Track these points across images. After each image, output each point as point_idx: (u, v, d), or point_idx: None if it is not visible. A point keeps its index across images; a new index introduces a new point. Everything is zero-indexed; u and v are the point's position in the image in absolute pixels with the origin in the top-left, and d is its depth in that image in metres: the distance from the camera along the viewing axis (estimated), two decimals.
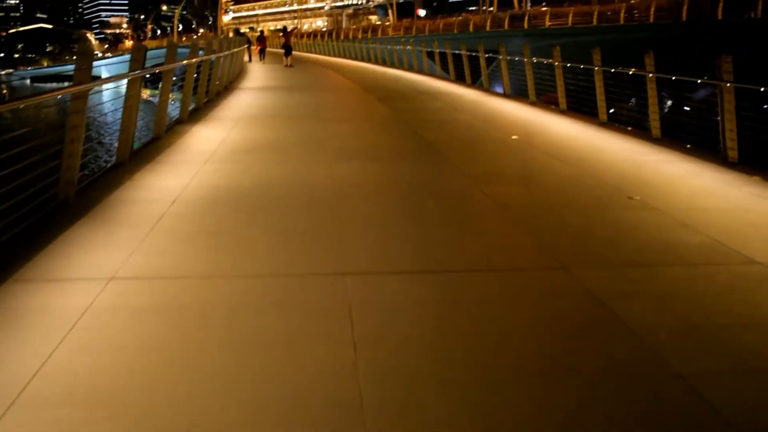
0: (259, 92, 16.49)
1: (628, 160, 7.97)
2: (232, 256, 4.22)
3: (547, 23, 42.33)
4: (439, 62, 23.42)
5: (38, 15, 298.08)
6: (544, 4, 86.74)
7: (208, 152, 7.86)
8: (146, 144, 8.62)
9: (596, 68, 11.76)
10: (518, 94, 16.26)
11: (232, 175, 6.69)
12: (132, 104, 7.65)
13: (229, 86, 17.57)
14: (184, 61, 10.92)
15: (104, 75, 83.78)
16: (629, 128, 10.75)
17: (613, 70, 11.54)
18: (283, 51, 30.47)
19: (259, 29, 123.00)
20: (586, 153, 8.59)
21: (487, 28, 47.28)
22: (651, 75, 10.06)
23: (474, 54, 18.88)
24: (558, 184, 6.64)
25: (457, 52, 20.32)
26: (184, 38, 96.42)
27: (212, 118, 11.27)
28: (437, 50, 23.34)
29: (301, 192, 6.00)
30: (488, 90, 17.99)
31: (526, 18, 44.11)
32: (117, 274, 3.75)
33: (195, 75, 11.79)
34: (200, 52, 13.16)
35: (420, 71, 26.30)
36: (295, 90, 17.29)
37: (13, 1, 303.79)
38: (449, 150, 8.42)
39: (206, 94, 13.20)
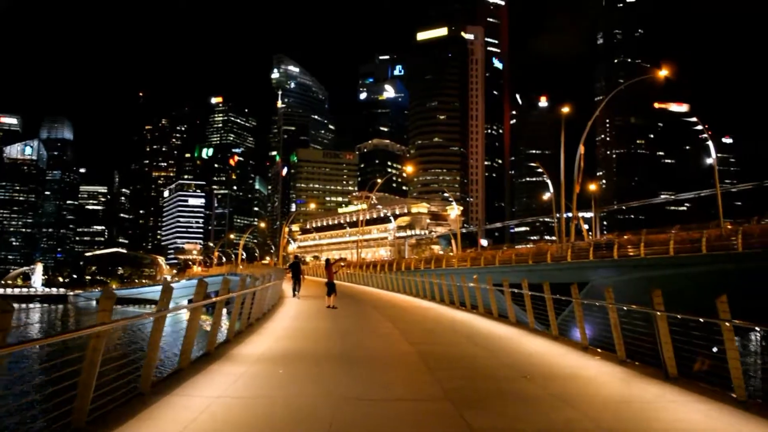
0: (258, 366, 10.10)
1: None
2: None
3: (642, 252, 36.19)
4: (531, 307, 16.92)
5: (120, 240, 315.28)
6: (616, 232, 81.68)
7: None
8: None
9: (658, 313, 9.93)
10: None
11: None
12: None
13: (215, 351, 11.34)
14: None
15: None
16: (702, 384, 9.05)
17: (680, 316, 9.79)
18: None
19: (303, 258, 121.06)
20: None
21: (568, 258, 41.39)
22: (728, 324, 8.52)
23: (612, 310, 12.40)
24: None
25: (569, 298, 13.96)
26: (240, 266, 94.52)
27: None
28: (528, 291, 16.94)
29: None
30: (628, 362, 11.16)
31: (616, 247, 38.14)
32: None
33: None
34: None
35: (502, 317, 19.88)
36: (316, 363, 10.76)
37: (99, 227, 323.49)
38: None
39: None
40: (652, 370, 10.34)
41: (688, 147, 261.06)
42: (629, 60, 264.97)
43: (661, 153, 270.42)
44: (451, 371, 10.21)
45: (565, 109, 54.73)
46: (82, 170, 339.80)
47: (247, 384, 8.62)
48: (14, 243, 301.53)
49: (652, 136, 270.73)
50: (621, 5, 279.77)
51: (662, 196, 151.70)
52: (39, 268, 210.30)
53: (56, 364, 6.79)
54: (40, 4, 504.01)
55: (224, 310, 22.09)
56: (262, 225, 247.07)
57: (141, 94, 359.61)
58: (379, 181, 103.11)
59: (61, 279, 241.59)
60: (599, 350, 12.53)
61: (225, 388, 8.20)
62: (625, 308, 11.58)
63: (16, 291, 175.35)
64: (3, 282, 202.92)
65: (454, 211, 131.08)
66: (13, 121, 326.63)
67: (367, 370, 10.20)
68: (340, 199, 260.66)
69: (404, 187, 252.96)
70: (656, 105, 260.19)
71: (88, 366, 6.25)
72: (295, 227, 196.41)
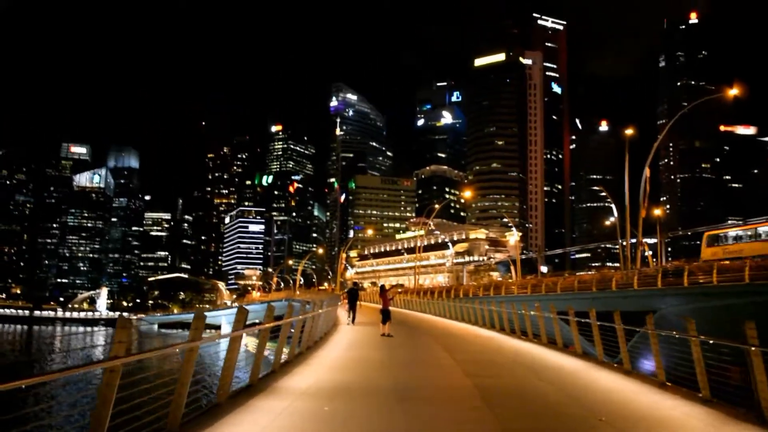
0: (303, 401, 9.32)
1: None
2: None
3: (715, 280, 34.18)
4: (600, 338, 15.70)
5: (182, 265, 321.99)
6: (683, 259, 78.30)
7: None
8: None
9: (752, 348, 8.37)
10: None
11: None
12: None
13: (258, 382, 10.64)
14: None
15: (224, 322, 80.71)
16: None
17: None
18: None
19: (374, 284, 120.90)
20: None
21: (635, 285, 39.52)
22: None
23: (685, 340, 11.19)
24: None
25: (640, 328, 12.76)
26: (297, 292, 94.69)
27: None
28: (596, 321, 15.74)
29: None
30: (714, 402, 9.96)
31: (686, 274, 36.19)
32: None
33: None
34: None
35: (566, 348, 18.69)
36: (365, 398, 9.90)
37: (162, 253, 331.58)
38: None
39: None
40: (740, 413, 9.10)
41: (755, 171, 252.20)
42: (693, 82, 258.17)
43: (727, 177, 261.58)
44: (515, 410, 9.22)
45: (629, 131, 52.96)
46: (147, 197, 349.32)
47: (287, 423, 7.81)
48: (82, 268, 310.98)
49: (717, 159, 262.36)
50: (683, 27, 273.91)
51: (729, 222, 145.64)
52: (104, 292, 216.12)
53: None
54: (107, 39, 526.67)
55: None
56: (321, 251, 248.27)
57: (203, 123, 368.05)
58: (436, 207, 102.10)
59: (125, 303, 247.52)
60: (676, 386, 11.32)
61: (262, 427, 7.41)
62: (710, 342, 10.26)
63: (82, 315, 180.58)
64: (70, 306, 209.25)
65: (513, 237, 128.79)
66: (83, 150, 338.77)
67: (419, 407, 9.29)
68: (397, 225, 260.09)
69: (462, 213, 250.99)
70: (722, 128, 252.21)
71: (101, 404, 5.64)
72: (353, 253, 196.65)
